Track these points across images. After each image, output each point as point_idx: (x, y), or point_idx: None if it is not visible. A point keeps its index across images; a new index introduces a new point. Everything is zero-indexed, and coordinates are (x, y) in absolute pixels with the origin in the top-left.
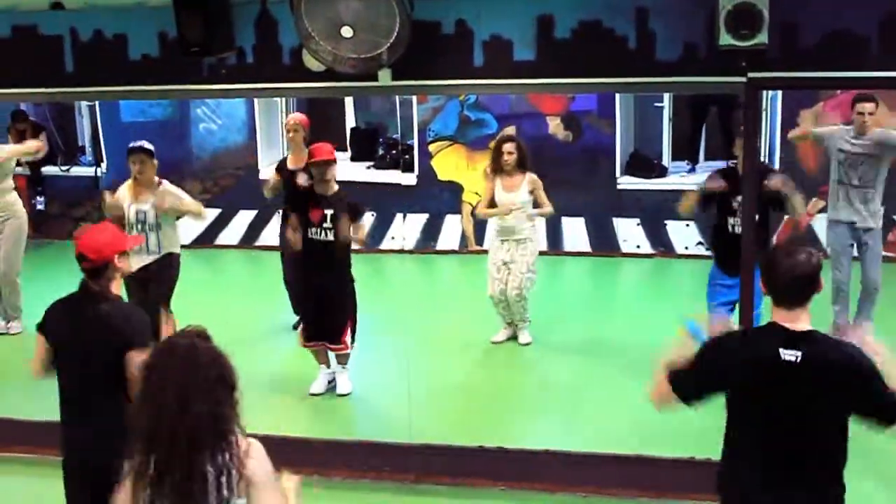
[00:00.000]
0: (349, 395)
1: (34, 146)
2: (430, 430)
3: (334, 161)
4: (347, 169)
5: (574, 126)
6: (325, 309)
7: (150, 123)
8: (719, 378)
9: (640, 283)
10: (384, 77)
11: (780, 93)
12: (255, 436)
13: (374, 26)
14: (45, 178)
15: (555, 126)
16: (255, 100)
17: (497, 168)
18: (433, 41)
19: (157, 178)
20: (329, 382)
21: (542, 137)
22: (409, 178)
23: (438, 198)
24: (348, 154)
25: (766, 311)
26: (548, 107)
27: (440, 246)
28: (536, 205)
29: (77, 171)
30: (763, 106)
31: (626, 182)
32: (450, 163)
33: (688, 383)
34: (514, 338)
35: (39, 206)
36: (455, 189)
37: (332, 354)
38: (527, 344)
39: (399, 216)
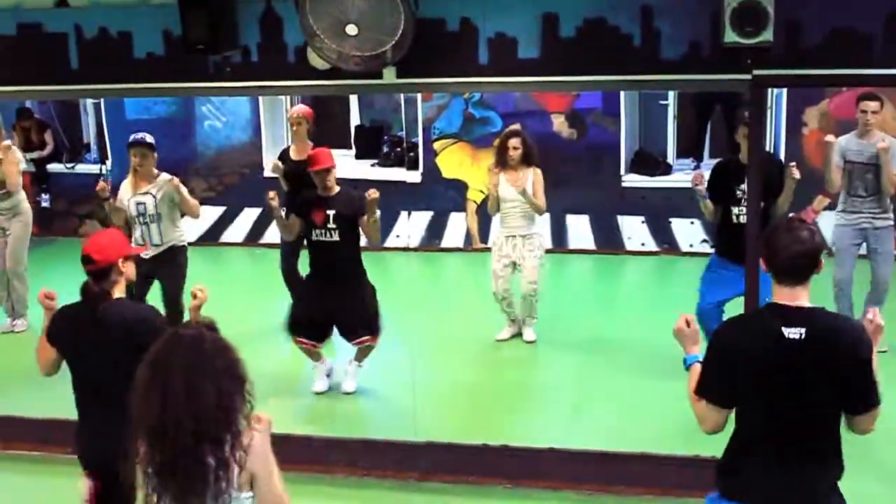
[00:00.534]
0: (353, 393)
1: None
2: (434, 428)
3: (333, 167)
4: (352, 166)
5: (579, 124)
6: (341, 306)
7: (154, 121)
8: (732, 365)
9: (644, 281)
10: (389, 75)
11: (784, 90)
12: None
13: (379, 24)
14: (50, 176)
15: (559, 124)
16: (260, 98)
17: (502, 163)
18: (438, 39)
19: (156, 171)
20: (328, 375)
21: (547, 135)
22: (414, 176)
23: (443, 195)
24: (353, 152)
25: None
26: (552, 104)
27: (445, 244)
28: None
29: (82, 168)
30: (768, 103)
31: (631, 180)
32: (454, 160)
33: (711, 385)
34: (518, 335)
35: (44, 204)
36: (460, 187)
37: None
38: (532, 341)
39: (404, 214)
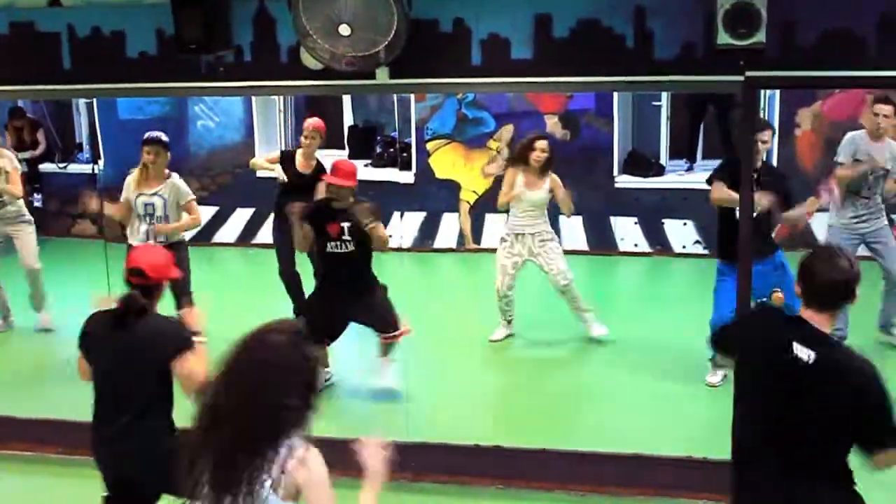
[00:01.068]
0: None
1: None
2: (426, 428)
3: (354, 187)
4: None
5: (572, 125)
6: (362, 309)
7: (147, 121)
8: (741, 340)
9: (637, 282)
10: (382, 75)
11: (777, 92)
12: None
13: (372, 24)
14: (42, 175)
15: (553, 125)
16: (253, 98)
17: (523, 162)
18: (431, 39)
19: (167, 171)
20: (327, 379)
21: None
22: (407, 177)
23: (436, 196)
24: (346, 152)
25: None
26: (546, 105)
27: (438, 244)
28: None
29: (74, 168)
30: (761, 105)
31: (624, 181)
32: (447, 161)
33: (723, 329)
34: (511, 335)
35: (37, 203)
36: (453, 187)
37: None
38: (601, 335)
39: (396, 214)
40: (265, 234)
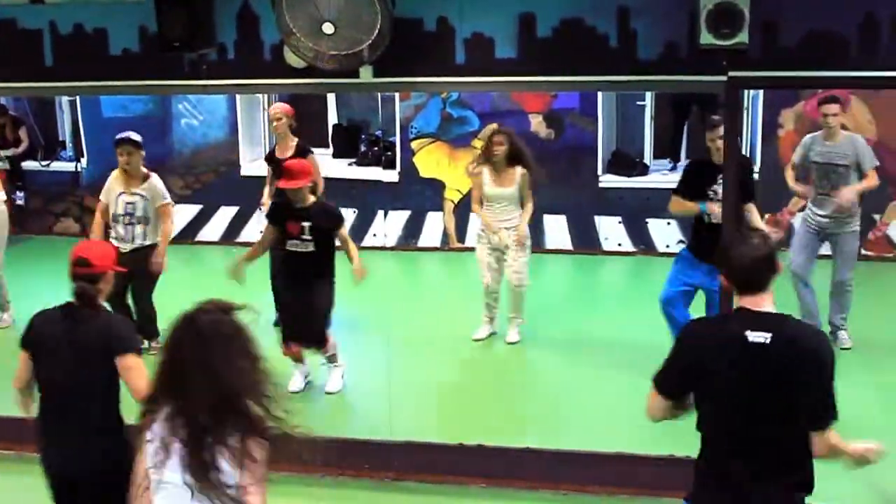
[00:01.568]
0: (336, 392)
1: None
2: (410, 427)
3: (306, 185)
4: (329, 166)
5: (556, 124)
6: (309, 316)
7: (131, 119)
8: (694, 363)
9: (621, 282)
10: (366, 74)
11: (761, 92)
12: None
13: (356, 23)
14: (25, 173)
15: (537, 124)
16: (237, 96)
17: (487, 159)
18: (415, 38)
19: (144, 170)
20: (306, 377)
21: (525, 135)
22: (391, 175)
23: (420, 195)
24: (330, 151)
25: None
26: (530, 105)
27: (422, 243)
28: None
29: (57, 165)
30: (744, 105)
31: (608, 180)
32: (432, 160)
33: (668, 377)
34: (493, 334)
35: (19, 202)
36: (437, 186)
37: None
38: (513, 342)
39: (381, 213)
40: (249, 232)
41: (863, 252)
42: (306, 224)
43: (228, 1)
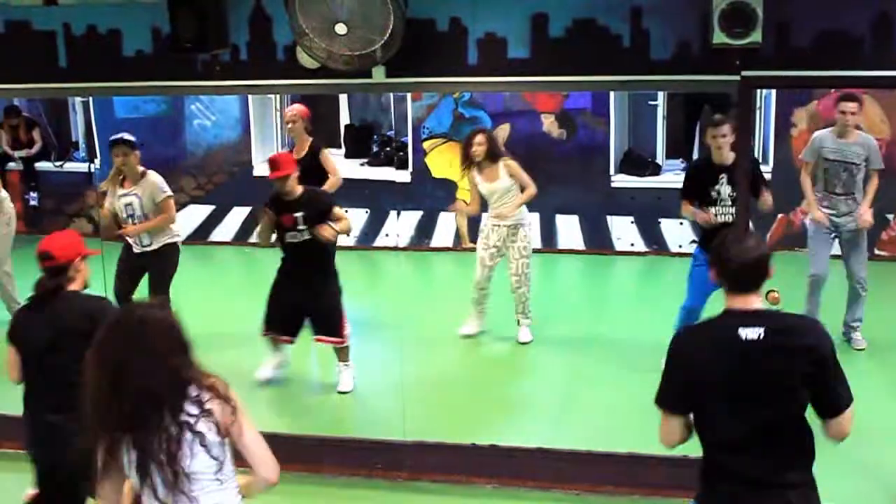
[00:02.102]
0: (348, 392)
1: None
2: (422, 427)
3: (288, 176)
4: (341, 166)
5: (568, 124)
6: (315, 305)
7: (143, 119)
8: (692, 373)
9: (633, 282)
10: (378, 74)
11: (773, 91)
12: None
13: (369, 23)
14: (38, 174)
15: (549, 124)
16: (249, 97)
17: (468, 161)
18: (427, 39)
19: (141, 168)
20: (276, 367)
21: (537, 135)
22: (404, 176)
23: (432, 195)
24: (342, 151)
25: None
26: (542, 104)
27: (434, 243)
28: (522, 189)
29: (71, 166)
30: (757, 104)
31: (620, 180)
32: (444, 160)
33: (672, 394)
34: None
35: (33, 202)
36: (449, 186)
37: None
38: (526, 342)
39: (393, 213)
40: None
41: (876, 252)
42: (298, 214)
43: (241, 2)
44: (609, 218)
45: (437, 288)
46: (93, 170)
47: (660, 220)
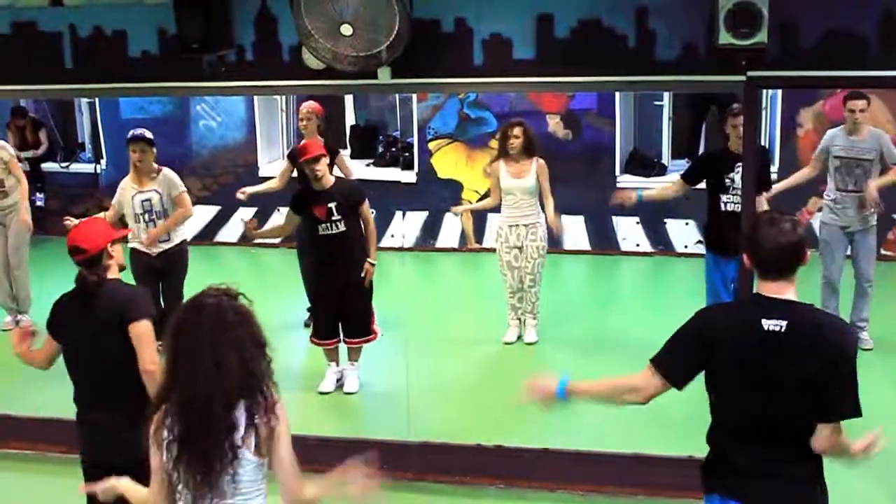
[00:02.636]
0: (355, 392)
1: None
2: (428, 427)
3: (323, 155)
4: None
5: (574, 124)
6: (348, 303)
7: (149, 120)
8: (703, 348)
9: (639, 282)
10: (384, 75)
11: (779, 91)
12: None
13: (374, 24)
14: (44, 175)
15: (554, 124)
16: (255, 97)
17: (503, 152)
18: (433, 39)
19: (156, 166)
20: (338, 381)
21: (542, 136)
22: (409, 176)
23: (438, 195)
24: (348, 152)
25: None
26: (547, 105)
27: (440, 244)
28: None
29: (77, 167)
30: (763, 104)
31: (626, 180)
32: (449, 160)
33: (672, 358)
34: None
35: (39, 203)
36: (455, 187)
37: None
38: (532, 343)
39: (399, 214)
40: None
41: (882, 252)
42: (332, 204)
43: (247, 3)
44: (615, 218)
45: (443, 288)
46: (98, 171)
47: (665, 220)
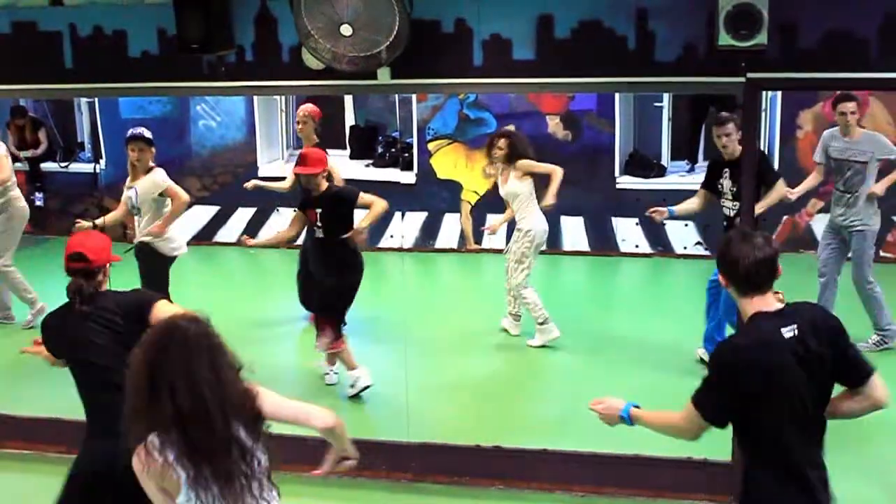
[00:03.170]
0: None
1: None
2: (427, 428)
3: (319, 173)
4: (346, 167)
5: (573, 125)
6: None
7: (149, 120)
8: (745, 383)
9: (638, 283)
10: (383, 75)
11: (779, 93)
12: None
13: (374, 25)
14: (44, 175)
15: (554, 125)
16: (255, 97)
17: (490, 161)
18: (433, 40)
19: (152, 164)
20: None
21: (542, 137)
22: (409, 177)
23: (437, 196)
24: (347, 152)
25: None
26: (547, 106)
27: (439, 244)
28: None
29: (76, 167)
30: (763, 106)
31: (626, 182)
32: (449, 161)
33: (719, 405)
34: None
35: (38, 202)
36: (454, 188)
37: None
38: (534, 346)
39: (398, 214)
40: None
41: (881, 254)
42: (318, 210)
43: (247, 3)
44: (614, 219)
45: (442, 289)
46: (98, 170)
47: (664, 221)
